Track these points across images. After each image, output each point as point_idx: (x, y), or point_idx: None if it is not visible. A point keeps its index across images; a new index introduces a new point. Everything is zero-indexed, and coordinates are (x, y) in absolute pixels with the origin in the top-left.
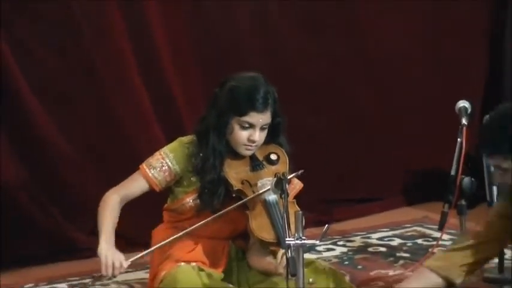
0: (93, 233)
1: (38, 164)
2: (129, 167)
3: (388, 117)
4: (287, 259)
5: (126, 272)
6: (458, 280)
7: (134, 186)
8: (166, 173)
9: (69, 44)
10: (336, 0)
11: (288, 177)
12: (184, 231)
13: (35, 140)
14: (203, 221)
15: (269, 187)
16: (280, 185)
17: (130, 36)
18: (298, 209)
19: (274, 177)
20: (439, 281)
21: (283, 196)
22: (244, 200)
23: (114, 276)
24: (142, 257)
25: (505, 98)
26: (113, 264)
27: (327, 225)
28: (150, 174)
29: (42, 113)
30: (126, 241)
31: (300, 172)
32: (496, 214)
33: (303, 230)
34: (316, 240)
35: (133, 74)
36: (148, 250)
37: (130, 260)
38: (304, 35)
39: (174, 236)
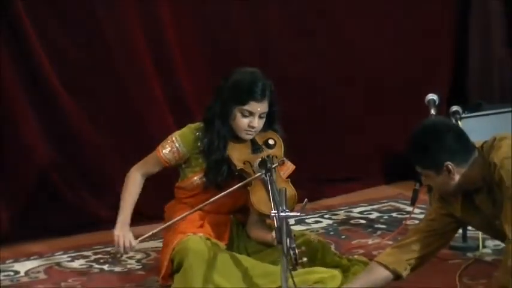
0: (114, 208)
1: (66, 148)
2: (144, 149)
3: (366, 108)
4: (276, 228)
5: (144, 241)
6: (404, 273)
7: (151, 164)
8: (176, 154)
9: (92, 42)
10: (321, 6)
11: (274, 166)
12: (197, 208)
13: (64, 126)
14: (213, 198)
15: (261, 169)
16: (264, 165)
17: (145, 35)
18: (292, 187)
19: (261, 160)
20: (387, 273)
21: (267, 174)
22: (248, 180)
23: (126, 253)
24: (149, 236)
25: (468, 90)
26: (124, 243)
27: (305, 200)
28: (162, 155)
29: (70, 102)
30: (143, 215)
31: (283, 159)
32: (435, 212)
33: (286, 204)
34: (298, 212)
35: (148, 68)
36: (155, 230)
37: (139, 239)
38: (292, 36)
39: (184, 214)
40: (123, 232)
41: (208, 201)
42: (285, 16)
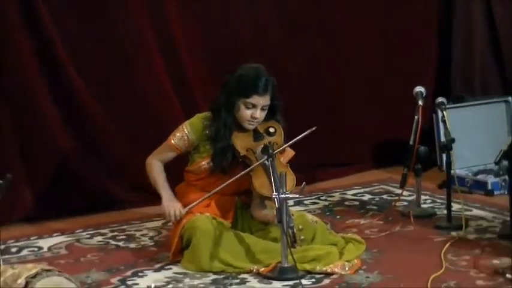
0: (128, 189)
1: (84, 134)
2: (154, 135)
3: (358, 99)
4: (276, 209)
5: (156, 220)
6: None
7: (165, 152)
8: (186, 141)
9: (106, 36)
10: (313, 6)
11: (275, 152)
12: (212, 192)
13: (82, 114)
14: (224, 183)
15: (263, 155)
16: (265, 151)
17: (154, 30)
18: (291, 171)
19: (263, 146)
20: None
21: (269, 160)
22: (253, 166)
23: (176, 220)
24: (196, 205)
25: (452, 83)
26: (174, 212)
27: (303, 183)
28: (173, 142)
29: (86, 92)
30: (157, 195)
31: (285, 146)
32: None
33: (286, 186)
34: (297, 194)
35: (158, 61)
36: (199, 200)
37: (187, 208)
38: (287, 33)
39: (202, 198)
40: (171, 202)
41: (221, 186)
42: (282, 11)
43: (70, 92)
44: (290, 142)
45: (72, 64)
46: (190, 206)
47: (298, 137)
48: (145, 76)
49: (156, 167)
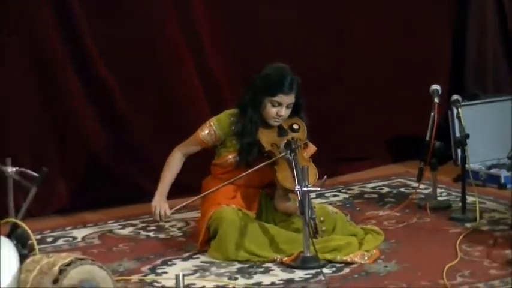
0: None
1: (116, 131)
2: (182, 131)
3: (376, 97)
4: (299, 201)
5: (185, 212)
6: None
7: (191, 145)
8: (213, 136)
9: (137, 37)
10: (330, 9)
11: (297, 146)
12: (228, 181)
13: (114, 112)
14: (245, 173)
15: (286, 150)
16: (289, 146)
17: (183, 31)
18: (313, 166)
19: (286, 142)
20: None
21: (292, 154)
22: (274, 159)
23: (162, 221)
24: (182, 207)
25: (466, 82)
26: (160, 212)
27: (325, 177)
28: (201, 136)
29: (119, 92)
30: (184, 188)
31: (306, 141)
32: None
33: (308, 180)
34: (319, 187)
35: (187, 60)
36: (189, 200)
37: (174, 209)
38: (308, 34)
39: (218, 186)
40: (160, 203)
41: (238, 176)
42: (303, 13)
43: (103, 91)
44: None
45: (104, 64)
46: (176, 207)
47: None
48: (174, 75)
49: (173, 160)
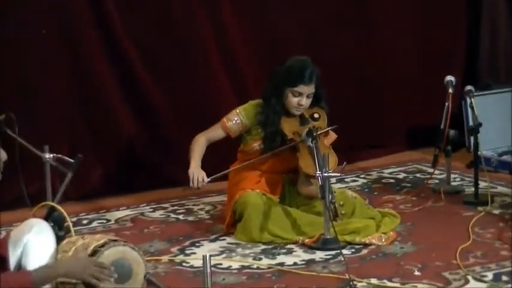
0: (186, 168)
1: (148, 121)
2: (209, 121)
3: (393, 87)
4: (320, 186)
5: (212, 196)
6: None
7: (216, 132)
8: (239, 125)
9: (168, 33)
10: (351, 3)
11: (318, 132)
12: (249, 162)
13: (146, 104)
14: (264, 155)
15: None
16: (310, 134)
17: (211, 27)
18: (334, 153)
19: (307, 130)
20: None
21: (313, 142)
22: (294, 143)
23: (198, 188)
24: (218, 177)
25: (479, 73)
26: (198, 178)
27: (344, 163)
28: (228, 125)
29: (151, 85)
30: (212, 173)
31: (327, 129)
32: None
33: (328, 166)
34: (339, 173)
35: (214, 56)
36: (224, 172)
37: (211, 177)
38: (332, 29)
39: (242, 164)
40: (196, 170)
41: (257, 158)
42: (325, 10)
43: (136, 84)
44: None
45: (138, 59)
46: (213, 176)
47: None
48: (203, 69)
49: (198, 142)
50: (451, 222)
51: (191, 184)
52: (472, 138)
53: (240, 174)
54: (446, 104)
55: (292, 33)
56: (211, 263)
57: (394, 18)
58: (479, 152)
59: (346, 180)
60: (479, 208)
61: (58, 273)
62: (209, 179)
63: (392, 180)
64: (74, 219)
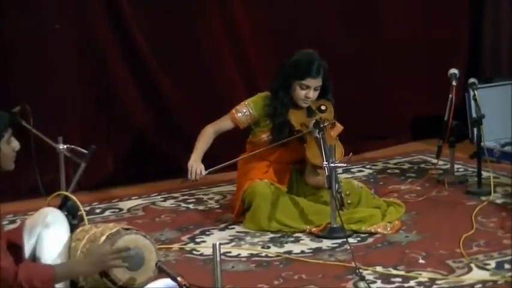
0: None
1: (159, 111)
2: (219, 112)
3: (398, 80)
4: (326, 176)
5: (221, 185)
6: None
7: (225, 123)
8: (248, 117)
9: (179, 25)
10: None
11: (325, 125)
12: (257, 151)
13: (157, 94)
14: (271, 145)
15: (315, 129)
16: (317, 125)
17: (221, 18)
18: (340, 144)
19: (315, 122)
20: None
21: (320, 133)
22: (301, 134)
23: (196, 180)
24: (217, 169)
25: (482, 66)
26: (196, 171)
27: (350, 154)
28: (237, 117)
29: (162, 75)
30: (221, 163)
31: (334, 121)
32: None
33: (335, 157)
34: (345, 163)
35: (224, 47)
36: (222, 165)
37: (209, 170)
38: (339, 24)
39: (250, 153)
40: (195, 163)
41: (265, 148)
42: (332, 4)
43: (148, 75)
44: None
45: (149, 51)
46: (211, 169)
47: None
48: (213, 61)
49: (205, 133)
50: (454, 212)
51: (189, 176)
52: (475, 129)
53: (249, 164)
54: (450, 96)
55: (301, 25)
56: (221, 251)
57: (401, 13)
58: (482, 143)
59: (352, 170)
60: (482, 198)
61: (79, 272)
62: (207, 172)
63: (397, 171)
64: (87, 208)
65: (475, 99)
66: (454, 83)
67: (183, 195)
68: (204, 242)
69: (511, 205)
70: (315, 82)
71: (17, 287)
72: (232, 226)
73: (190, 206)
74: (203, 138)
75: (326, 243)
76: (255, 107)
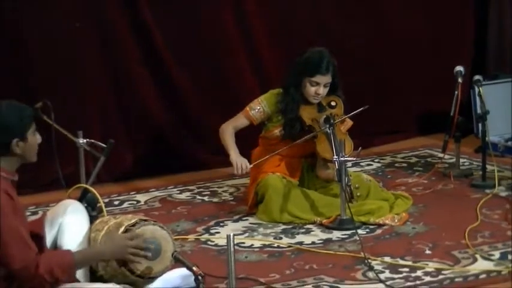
0: (212, 153)
1: (176, 107)
2: (233, 107)
3: (405, 76)
4: (336, 170)
5: (235, 178)
6: None
7: (240, 121)
8: (261, 113)
9: (193, 25)
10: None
11: (336, 121)
12: (275, 153)
13: (174, 90)
14: (288, 146)
15: (325, 124)
16: (328, 121)
17: (234, 18)
18: (349, 138)
19: (325, 117)
20: None
21: (330, 128)
22: (315, 132)
23: (243, 174)
24: (259, 164)
25: (487, 63)
26: (241, 165)
27: (360, 148)
28: (250, 114)
29: (179, 72)
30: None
31: (343, 118)
32: None
33: (345, 151)
34: (354, 157)
35: (238, 48)
36: (262, 159)
37: (253, 163)
38: (345, 19)
39: (267, 156)
40: (239, 158)
41: (283, 148)
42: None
43: (166, 72)
44: (349, 115)
45: (167, 49)
46: (255, 162)
47: (353, 112)
48: (227, 58)
49: (227, 131)
50: (460, 204)
51: (235, 171)
52: (480, 125)
53: (263, 158)
54: (456, 92)
55: (311, 23)
56: (235, 242)
57: (408, 11)
58: (486, 138)
59: (361, 164)
60: (487, 191)
61: (99, 256)
62: (251, 165)
63: (404, 164)
64: (106, 200)
65: (480, 96)
66: (459, 80)
67: (199, 187)
68: (219, 233)
69: None
70: (325, 79)
71: (39, 278)
72: (245, 218)
73: (205, 198)
74: (228, 135)
75: (336, 235)
76: (268, 104)
